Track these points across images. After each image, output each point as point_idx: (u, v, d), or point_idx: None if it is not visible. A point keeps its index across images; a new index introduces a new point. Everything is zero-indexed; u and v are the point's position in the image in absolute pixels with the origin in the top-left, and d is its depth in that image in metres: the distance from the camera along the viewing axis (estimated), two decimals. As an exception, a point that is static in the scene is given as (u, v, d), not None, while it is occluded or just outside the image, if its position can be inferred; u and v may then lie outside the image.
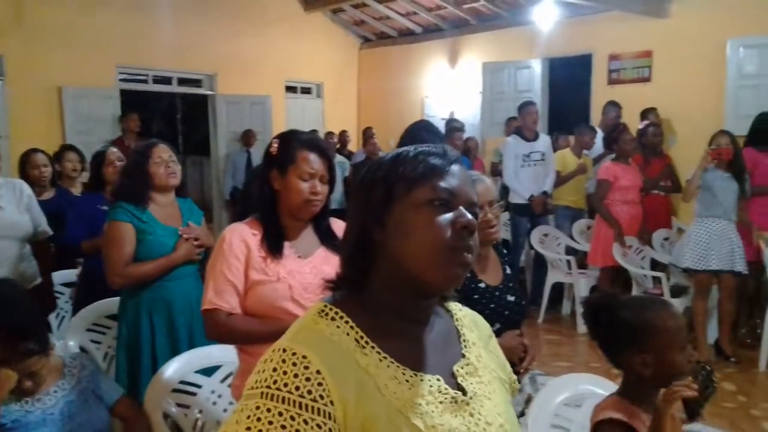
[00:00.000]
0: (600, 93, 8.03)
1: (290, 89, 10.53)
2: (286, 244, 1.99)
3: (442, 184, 1.01)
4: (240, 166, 9.01)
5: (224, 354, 2.24)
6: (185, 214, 2.88)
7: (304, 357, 0.91)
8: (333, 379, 0.91)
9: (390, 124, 9.00)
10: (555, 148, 6.61)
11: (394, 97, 10.55)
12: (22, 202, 3.12)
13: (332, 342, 0.97)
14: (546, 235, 6.13)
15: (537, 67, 8.78)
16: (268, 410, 0.88)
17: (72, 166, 4.56)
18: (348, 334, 0.99)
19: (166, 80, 9.30)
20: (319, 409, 0.88)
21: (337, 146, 9.10)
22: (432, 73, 10.15)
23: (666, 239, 5.72)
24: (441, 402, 1.00)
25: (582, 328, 5.27)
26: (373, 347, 0.99)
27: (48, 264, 3.34)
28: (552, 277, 5.94)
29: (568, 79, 8.79)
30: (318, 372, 0.90)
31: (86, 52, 7.79)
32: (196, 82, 9.62)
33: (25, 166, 4.23)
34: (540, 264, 6.17)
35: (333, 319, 1.01)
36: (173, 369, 2.16)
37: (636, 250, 5.43)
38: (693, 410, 1.68)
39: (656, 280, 5.20)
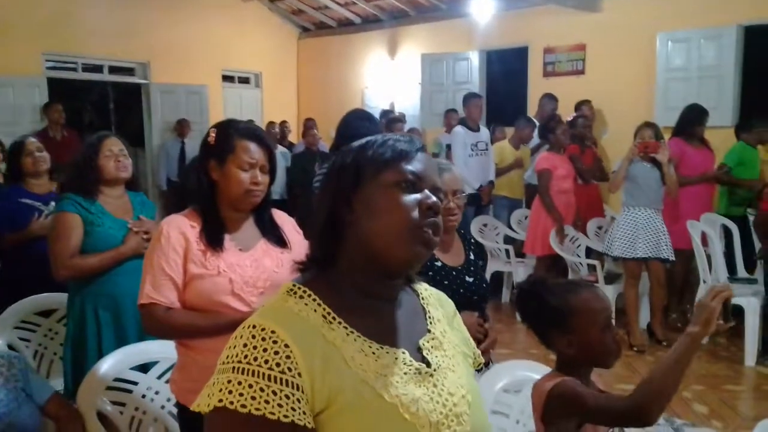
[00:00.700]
0: (536, 85, 8.19)
1: (227, 79, 10.36)
2: (227, 236, 1.94)
3: (409, 167, 1.07)
4: (174, 156, 8.82)
5: (161, 349, 2.19)
6: (137, 207, 2.82)
7: (273, 332, 0.96)
8: (301, 352, 0.96)
9: (330, 115, 8.90)
10: (492, 140, 6.74)
11: (334, 87, 10.49)
12: None
13: (300, 318, 1.02)
14: (485, 224, 6.24)
15: (475, 59, 8.88)
16: (239, 383, 0.93)
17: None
18: (315, 311, 1.03)
19: (97, 68, 8.99)
20: (287, 380, 0.93)
21: (278, 137, 8.99)
22: (372, 64, 10.15)
23: (600, 228, 5.89)
24: (405, 373, 1.04)
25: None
26: (340, 323, 1.03)
27: None
28: (491, 266, 6.04)
29: (505, 71, 8.92)
30: (286, 345, 0.95)
31: (10, 38, 7.42)
32: (129, 71, 9.33)
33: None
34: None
35: (301, 297, 1.05)
36: (108, 366, 2.09)
37: (571, 238, 5.58)
38: None
39: (591, 268, 5.36)
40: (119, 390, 2.10)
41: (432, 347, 1.12)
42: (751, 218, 5.41)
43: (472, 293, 2.33)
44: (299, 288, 1.07)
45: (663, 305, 5.07)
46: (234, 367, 0.94)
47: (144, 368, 2.20)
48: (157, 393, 2.17)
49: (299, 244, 2.03)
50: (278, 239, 2.03)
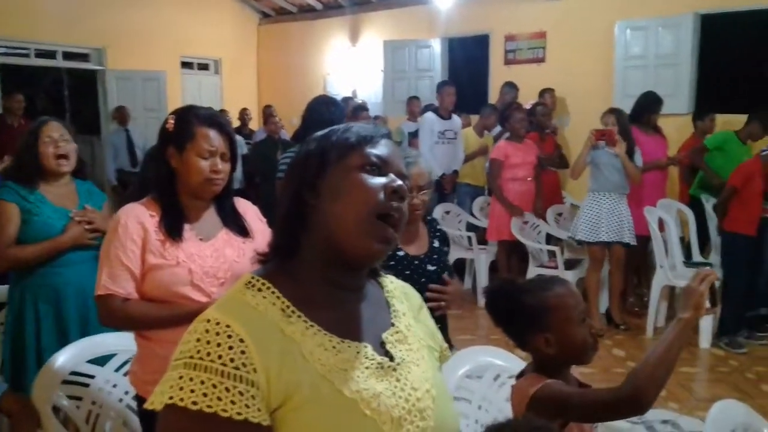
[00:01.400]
0: (497, 73, 8.24)
1: (186, 65, 10.18)
2: (186, 226, 1.90)
3: (374, 151, 1.07)
4: (120, 146, 8.47)
5: (119, 342, 2.14)
6: (82, 196, 2.73)
7: (228, 326, 0.94)
8: (256, 346, 0.93)
9: (292, 102, 8.85)
10: (457, 128, 6.76)
11: (295, 74, 10.39)
12: None
13: (257, 311, 0.99)
14: (447, 212, 6.27)
15: (437, 46, 8.88)
16: (191, 379, 0.90)
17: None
18: (274, 304, 1.01)
19: (50, 54, 8.74)
20: (241, 376, 0.91)
21: (238, 125, 8.87)
22: (333, 51, 10.06)
23: (560, 215, 5.97)
24: (367, 368, 1.02)
25: (482, 302, 5.42)
26: (299, 316, 1.01)
27: None
28: (454, 254, 6.07)
29: (468, 58, 8.93)
30: (241, 340, 0.93)
31: (-42, 22, 7.19)
32: (84, 57, 9.09)
33: None
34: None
35: (260, 290, 1.03)
36: (63, 359, 2.03)
37: (532, 225, 5.65)
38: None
39: (551, 254, 5.43)
40: (75, 384, 2.04)
41: (396, 341, 1.11)
42: (707, 205, 5.52)
43: (434, 282, 2.33)
44: (258, 280, 1.04)
45: (621, 290, 5.16)
46: (186, 363, 0.92)
47: (101, 361, 2.15)
48: (114, 386, 2.12)
49: (262, 233, 2.00)
50: (240, 228, 1.99)
